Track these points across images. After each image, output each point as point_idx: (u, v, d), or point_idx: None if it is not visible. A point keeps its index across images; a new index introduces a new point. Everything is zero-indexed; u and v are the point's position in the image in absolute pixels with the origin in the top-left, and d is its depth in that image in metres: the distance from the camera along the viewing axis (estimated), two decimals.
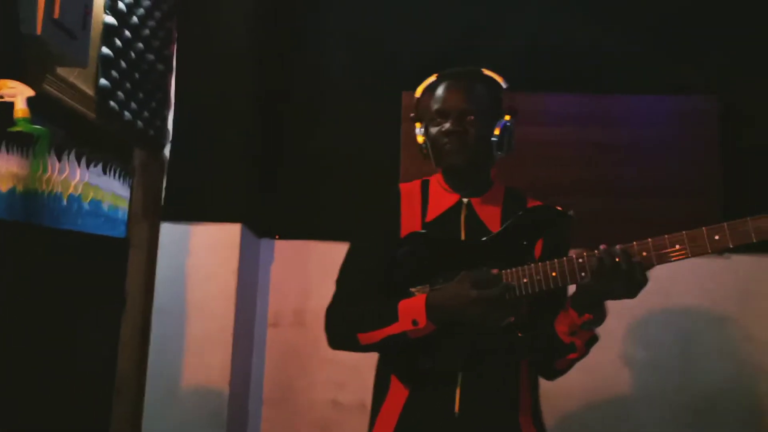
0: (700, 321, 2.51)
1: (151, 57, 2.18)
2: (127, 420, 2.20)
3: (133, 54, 2.04)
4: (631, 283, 1.34)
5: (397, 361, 1.52)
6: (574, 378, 2.42)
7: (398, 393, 1.52)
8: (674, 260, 1.32)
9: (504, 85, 1.61)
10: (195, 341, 2.38)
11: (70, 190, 1.73)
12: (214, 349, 2.36)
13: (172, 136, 2.43)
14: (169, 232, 2.39)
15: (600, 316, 1.43)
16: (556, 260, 1.40)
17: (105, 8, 1.89)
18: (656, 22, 2.66)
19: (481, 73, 1.62)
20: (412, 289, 1.49)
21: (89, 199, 1.83)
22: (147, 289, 2.29)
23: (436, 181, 1.64)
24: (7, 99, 1.42)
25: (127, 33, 2.00)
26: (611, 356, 2.51)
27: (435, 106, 1.58)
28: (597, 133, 2.65)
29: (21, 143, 1.52)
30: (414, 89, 1.66)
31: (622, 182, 2.62)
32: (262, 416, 2.63)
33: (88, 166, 1.83)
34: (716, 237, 1.28)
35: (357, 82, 2.75)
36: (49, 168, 1.63)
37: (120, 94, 1.96)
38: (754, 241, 1.26)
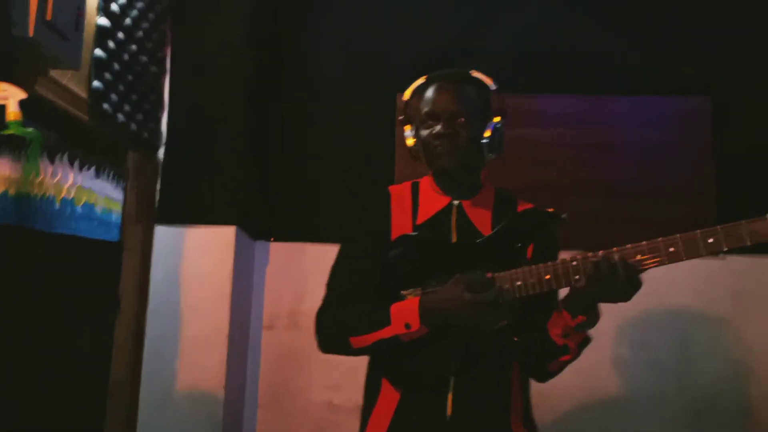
0: (696, 322, 2.51)
1: (144, 59, 2.17)
2: (121, 423, 2.20)
3: (126, 56, 2.04)
4: (627, 288, 1.34)
5: (388, 364, 1.51)
6: (571, 379, 2.43)
7: (390, 396, 1.51)
8: (668, 263, 1.32)
9: (493, 86, 1.61)
10: (190, 344, 2.36)
11: (63, 194, 1.72)
12: (209, 351, 2.35)
13: (166, 138, 2.42)
14: (163, 234, 2.39)
15: (593, 318, 1.42)
16: (550, 263, 1.39)
17: (98, 10, 1.88)
18: (651, 23, 2.66)
19: (470, 74, 1.61)
20: (404, 292, 1.48)
21: (82, 202, 1.82)
22: (141, 291, 2.29)
23: (427, 184, 1.63)
24: None
25: (121, 35, 2.00)
26: (608, 357, 2.51)
27: (425, 109, 1.58)
28: (592, 133, 2.65)
29: (13, 146, 1.51)
30: None
31: (616, 183, 2.61)
32: (258, 419, 2.61)
33: (81, 169, 1.81)
34: (710, 240, 1.28)
35: (352, 83, 2.74)
36: (42, 171, 1.62)
37: (113, 96, 1.96)
38: (749, 244, 1.26)
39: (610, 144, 2.64)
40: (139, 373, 2.28)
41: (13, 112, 1.41)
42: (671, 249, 1.30)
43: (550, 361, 1.49)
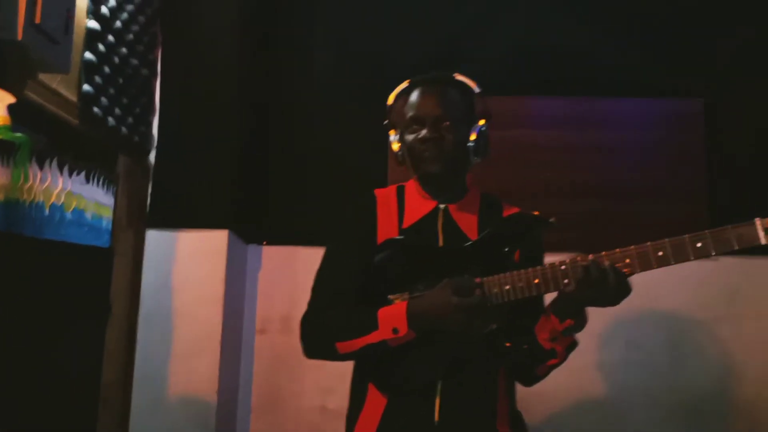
0: (689, 322, 2.52)
1: (135, 62, 2.15)
2: (113, 429, 2.18)
3: (116, 59, 2.02)
4: (616, 293, 1.34)
5: (375, 369, 1.50)
6: (565, 380, 2.43)
7: (376, 401, 1.50)
8: (657, 267, 1.32)
9: (477, 89, 1.60)
10: (182, 349, 2.35)
11: (53, 200, 1.70)
12: (202, 356, 2.34)
13: (158, 141, 2.40)
14: (154, 239, 2.37)
15: (581, 322, 1.42)
16: (539, 267, 1.39)
17: (88, 13, 1.87)
18: (644, 26, 2.67)
19: (454, 78, 1.61)
20: (391, 297, 1.48)
21: (72, 208, 1.80)
22: (132, 296, 2.27)
23: (413, 187, 1.63)
24: None
25: (111, 37, 1.98)
26: (601, 358, 2.51)
27: (409, 113, 1.57)
28: (584, 135, 2.65)
29: (1, 151, 1.49)
30: None
31: (609, 185, 2.62)
32: (251, 424, 2.60)
33: (70, 175, 1.80)
34: (699, 245, 1.29)
35: (344, 87, 2.73)
36: (31, 177, 1.60)
37: (104, 99, 1.94)
38: (736, 248, 1.27)
39: (602, 146, 2.64)
40: (130, 378, 2.26)
41: (1, 116, 1.40)
42: (660, 253, 1.31)
43: (537, 365, 1.49)
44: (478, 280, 1.41)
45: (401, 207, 1.60)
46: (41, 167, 1.66)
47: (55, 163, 1.72)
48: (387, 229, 1.56)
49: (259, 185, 2.71)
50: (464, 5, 2.74)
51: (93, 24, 1.88)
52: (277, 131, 2.76)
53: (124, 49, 2.07)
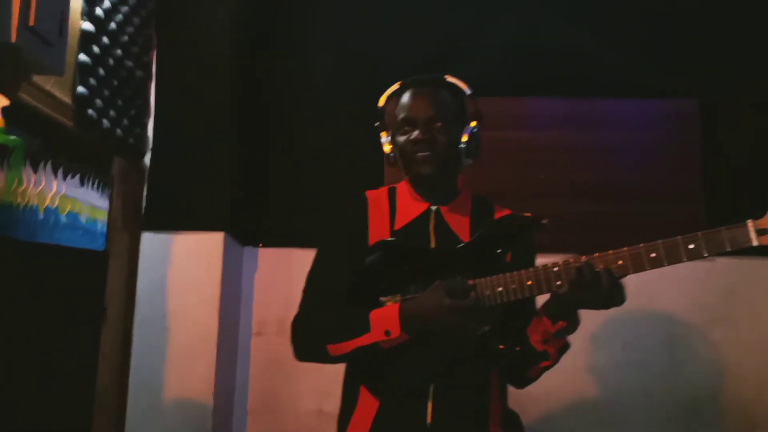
0: (686, 323, 2.52)
1: (130, 63, 2.14)
2: None
3: (111, 61, 2.01)
4: (609, 295, 1.34)
5: (367, 371, 1.50)
6: (562, 381, 2.45)
7: (368, 404, 1.49)
8: (650, 269, 1.32)
9: (468, 91, 1.60)
10: (178, 352, 2.34)
11: (47, 203, 1.69)
12: (198, 359, 2.33)
13: (153, 143, 2.39)
14: (150, 241, 2.36)
15: (573, 324, 1.43)
16: (531, 269, 1.39)
17: (82, 14, 1.86)
18: (639, 27, 2.67)
19: (445, 79, 1.61)
20: (383, 299, 1.47)
21: (66, 211, 1.79)
22: (128, 300, 2.26)
23: (404, 189, 1.63)
24: None
25: (105, 39, 1.97)
26: (598, 359, 2.51)
27: (401, 115, 1.57)
28: (580, 136, 2.65)
29: None
30: None
31: (604, 185, 2.61)
32: (247, 427, 2.59)
33: (65, 178, 1.79)
34: (691, 246, 1.29)
35: (341, 88, 2.72)
36: (25, 180, 1.59)
37: (98, 101, 1.93)
38: (729, 250, 1.27)
39: (599, 146, 2.64)
40: (126, 382, 2.25)
41: None
42: (652, 255, 1.31)
43: (529, 367, 1.49)
44: (471, 282, 1.40)
45: (392, 209, 1.59)
46: (35, 170, 1.65)
47: (49, 166, 1.71)
48: (378, 230, 1.56)
49: (255, 187, 2.70)
50: (463, 6, 2.74)
51: (87, 26, 1.87)
52: (273, 133, 2.75)
53: (118, 51, 2.06)
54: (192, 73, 2.47)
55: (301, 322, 1.55)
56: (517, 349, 1.46)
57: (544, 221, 1.45)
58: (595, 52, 2.64)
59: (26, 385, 1.66)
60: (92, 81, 1.89)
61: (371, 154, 2.58)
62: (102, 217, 2.04)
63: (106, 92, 1.98)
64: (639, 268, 1.32)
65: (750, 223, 1.26)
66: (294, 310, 2.52)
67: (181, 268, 2.39)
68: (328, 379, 2.48)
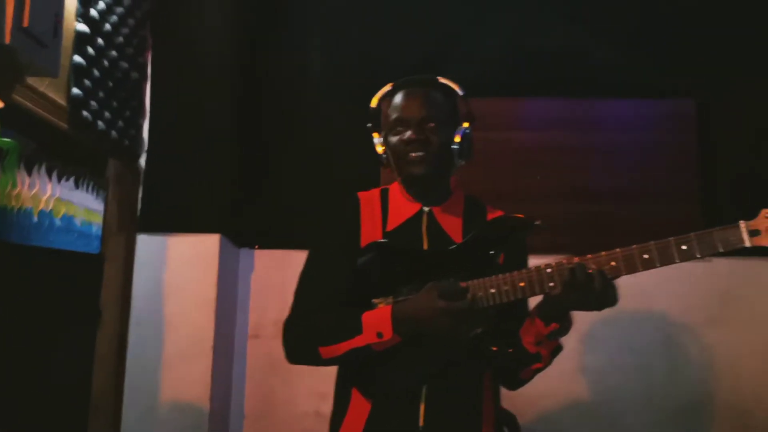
0: (683, 324, 2.52)
1: (125, 65, 2.13)
2: None
3: (106, 62, 2.00)
4: (602, 296, 1.33)
5: (359, 373, 1.49)
6: (560, 383, 2.45)
7: (360, 406, 1.48)
8: (643, 270, 1.32)
9: (460, 92, 1.60)
10: (174, 355, 2.33)
11: (41, 206, 1.68)
12: (194, 363, 2.32)
13: (148, 145, 2.38)
14: (145, 243, 2.35)
15: (566, 326, 1.42)
16: (524, 270, 1.39)
17: (77, 16, 1.85)
18: (635, 27, 2.67)
19: (437, 80, 1.60)
20: (375, 300, 1.46)
21: (61, 214, 1.78)
22: (123, 302, 2.24)
23: (396, 190, 1.62)
24: None
25: (100, 41, 1.96)
26: (595, 361, 2.51)
27: (394, 115, 1.56)
28: (576, 137, 2.65)
29: None
30: None
31: (601, 186, 2.62)
32: (244, 430, 2.58)
33: (59, 180, 1.77)
34: (684, 247, 1.29)
35: (337, 89, 2.71)
36: (19, 183, 1.57)
37: (93, 103, 1.92)
38: (721, 251, 1.27)
39: (594, 147, 2.65)
40: (121, 385, 2.24)
41: None
42: (645, 256, 1.31)
43: (522, 369, 1.48)
44: (463, 284, 1.40)
45: (385, 210, 1.59)
46: (29, 173, 1.63)
47: (43, 168, 1.70)
48: (371, 232, 1.55)
49: (251, 188, 2.69)
50: (460, 6, 2.74)
51: (82, 27, 1.86)
52: (270, 134, 2.74)
53: (113, 52, 2.05)
54: (187, 74, 2.46)
55: (293, 324, 1.54)
56: (510, 350, 1.45)
57: (536, 222, 1.45)
58: (592, 53, 2.65)
59: (22, 388, 1.65)
60: (87, 82, 1.88)
61: (368, 155, 2.59)
62: (97, 220, 2.03)
63: (101, 94, 1.97)
64: (632, 269, 1.32)
65: (742, 224, 1.26)
66: None
67: (177, 271, 2.38)
68: (325, 381, 2.46)
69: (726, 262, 2.46)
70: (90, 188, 1.97)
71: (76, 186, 1.88)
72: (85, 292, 2.07)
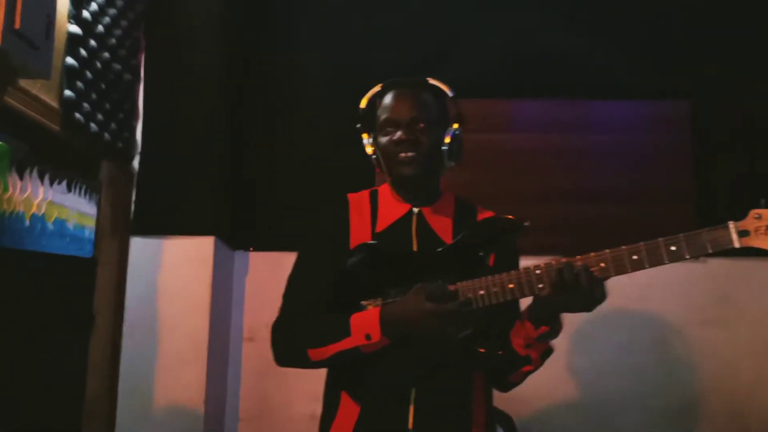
0: (679, 325, 2.52)
1: (118, 66, 2.12)
2: None
3: (99, 64, 1.99)
4: (590, 297, 1.32)
5: (348, 376, 1.48)
6: (555, 383, 2.45)
7: (349, 409, 1.47)
8: (632, 271, 1.31)
9: (450, 93, 1.59)
10: (168, 359, 2.31)
11: (33, 210, 1.66)
12: (188, 366, 2.30)
13: (141, 147, 2.37)
14: (139, 246, 2.34)
15: (556, 329, 1.41)
16: (513, 272, 1.38)
17: (69, 17, 1.84)
18: (630, 28, 2.68)
19: (427, 82, 1.60)
20: (364, 302, 1.46)
21: (53, 218, 1.76)
22: (117, 306, 2.23)
23: (386, 191, 1.61)
24: None
25: (93, 42, 1.95)
26: (591, 361, 2.51)
27: (383, 116, 1.56)
28: (570, 138, 2.66)
29: None
30: None
31: (595, 188, 2.62)
32: None
33: (51, 184, 1.76)
34: (672, 248, 1.28)
35: (331, 90, 2.70)
36: (11, 186, 1.56)
37: (86, 105, 1.91)
38: (710, 252, 1.26)
39: (588, 148, 2.65)
40: (115, 389, 2.23)
41: None
42: (634, 257, 1.30)
43: (512, 371, 1.47)
44: (453, 285, 1.39)
45: (374, 211, 1.58)
46: (21, 176, 1.62)
47: (35, 171, 1.68)
48: (360, 233, 1.54)
49: (245, 190, 2.68)
50: (454, 8, 2.73)
51: (74, 28, 1.85)
52: (264, 136, 2.73)
53: (106, 54, 2.04)
54: (181, 75, 2.44)
55: (282, 326, 1.53)
56: (499, 353, 1.44)
57: (525, 223, 1.44)
58: (586, 54, 2.65)
59: (15, 393, 1.64)
60: (79, 84, 1.87)
61: (364, 157, 2.59)
62: (89, 224, 2.01)
63: (94, 96, 1.96)
64: (621, 270, 1.31)
65: (731, 225, 1.25)
66: None
67: (171, 274, 2.37)
68: (320, 384, 2.46)
69: (721, 263, 2.46)
70: (83, 191, 1.95)
71: (69, 189, 1.86)
72: (78, 296, 2.05)
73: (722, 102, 2.60)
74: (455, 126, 1.57)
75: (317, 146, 2.68)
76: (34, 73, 1.53)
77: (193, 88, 2.45)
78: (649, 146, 2.63)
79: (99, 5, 1.98)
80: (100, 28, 2.00)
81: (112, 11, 2.08)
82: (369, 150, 1.61)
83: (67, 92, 1.82)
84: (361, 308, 1.44)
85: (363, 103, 1.63)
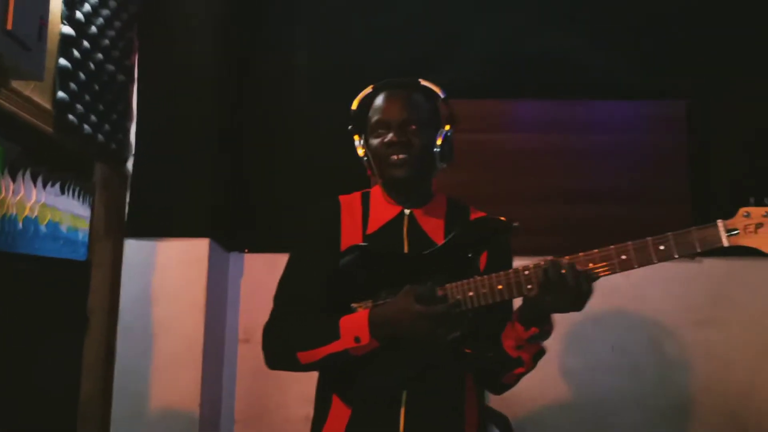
0: (674, 325, 2.52)
1: (111, 68, 2.12)
2: None
3: (92, 65, 1.99)
4: (577, 296, 1.31)
5: (338, 379, 1.47)
6: (550, 383, 2.45)
7: (340, 412, 1.46)
8: (620, 271, 1.30)
9: (441, 94, 1.59)
10: (163, 361, 2.30)
11: (26, 213, 1.65)
12: (183, 368, 2.29)
13: (135, 149, 2.36)
14: (133, 248, 2.33)
15: (546, 330, 1.40)
16: (502, 273, 1.37)
17: (62, 18, 1.83)
18: (626, 29, 2.68)
19: (418, 83, 1.59)
20: (354, 305, 1.45)
21: (46, 221, 1.76)
22: (111, 308, 2.22)
23: (378, 193, 1.61)
24: None
25: (86, 43, 1.95)
26: (587, 362, 2.51)
27: (375, 117, 1.55)
28: (566, 138, 2.65)
29: None
30: None
31: (591, 188, 2.61)
32: None
33: (45, 186, 1.75)
34: (661, 247, 1.27)
35: (330, 90, 2.69)
36: (3, 189, 1.55)
37: (79, 106, 1.90)
38: (699, 251, 1.25)
39: (588, 148, 2.64)
40: (110, 392, 2.22)
41: None
42: (623, 256, 1.29)
43: (504, 373, 1.46)
44: (442, 287, 1.38)
45: (365, 213, 1.57)
46: (14, 179, 1.61)
47: (28, 174, 1.68)
48: (351, 235, 1.53)
49: (240, 192, 2.67)
50: (454, 8, 2.73)
51: (67, 30, 1.84)
52: (259, 137, 2.72)
53: (99, 55, 2.03)
54: (175, 77, 2.43)
55: (272, 329, 1.52)
56: (490, 354, 1.44)
57: (515, 224, 1.43)
58: (585, 54, 2.65)
59: (9, 395, 1.63)
60: (73, 86, 1.86)
61: (358, 159, 2.58)
62: (83, 226, 2.01)
63: (87, 97, 1.95)
64: (609, 270, 1.30)
65: (720, 224, 1.24)
66: None
67: (166, 275, 2.36)
68: (315, 386, 2.47)
69: (716, 263, 2.47)
70: (76, 193, 1.95)
71: (62, 191, 1.85)
72: (72, 299, 2.05)
73: (721, 102, 2.61)
74: (447, 127, 1.56)
75: (315, 147, 2.67)
76: (26, 74, 1.53)
77: (187, 89, 2.44)
78: (649, 146, 2.63)
79: (92, 6, 1.97)
80: (93, 29, 1.99)
81: (106, 12, 2.07)
82: (360, 152, 1.60)
83: (60, 93, 1.81)
84: (352, 311, 1.44)
85: (354, 105, 1.62)
